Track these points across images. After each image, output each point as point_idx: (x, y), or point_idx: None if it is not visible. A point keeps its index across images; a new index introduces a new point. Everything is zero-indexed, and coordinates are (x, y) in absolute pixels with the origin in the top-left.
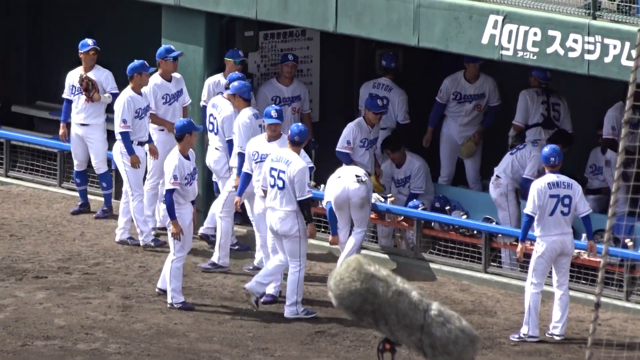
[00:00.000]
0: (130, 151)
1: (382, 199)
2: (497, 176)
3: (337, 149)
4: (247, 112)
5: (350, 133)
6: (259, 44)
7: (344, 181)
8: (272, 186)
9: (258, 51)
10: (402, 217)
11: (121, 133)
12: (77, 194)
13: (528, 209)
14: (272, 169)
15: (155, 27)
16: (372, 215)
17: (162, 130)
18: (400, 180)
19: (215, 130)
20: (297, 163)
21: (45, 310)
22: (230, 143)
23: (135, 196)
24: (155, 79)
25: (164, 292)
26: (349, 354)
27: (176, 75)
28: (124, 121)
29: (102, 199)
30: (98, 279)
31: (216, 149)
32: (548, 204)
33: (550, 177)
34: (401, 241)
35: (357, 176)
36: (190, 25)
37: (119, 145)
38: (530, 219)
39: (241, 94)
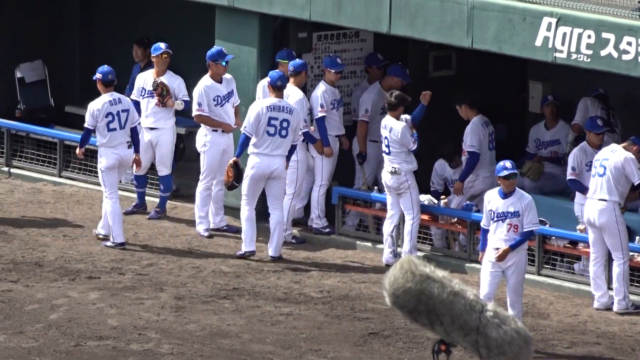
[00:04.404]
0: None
1: (435, 202)
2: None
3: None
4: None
5: (574, 159)
6: (313, 45)
7: (384, 171)
8: None
9: (311, 52)
10: (456, 219)
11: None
12: (130, 194)
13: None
14: None
15: (208, 28)
16: (426, 217)
17: (216, 131)
18: (454, 181)
19: None
20: None
21: (98, 311)
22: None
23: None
24: (205, 80)
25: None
26: (402, 355)
27: (226, 76)
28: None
29: (155, 200)
30: (151, 280)
31: None
32: None
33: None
34: (454, 243)
35: (392, 167)
36: (243, 26)
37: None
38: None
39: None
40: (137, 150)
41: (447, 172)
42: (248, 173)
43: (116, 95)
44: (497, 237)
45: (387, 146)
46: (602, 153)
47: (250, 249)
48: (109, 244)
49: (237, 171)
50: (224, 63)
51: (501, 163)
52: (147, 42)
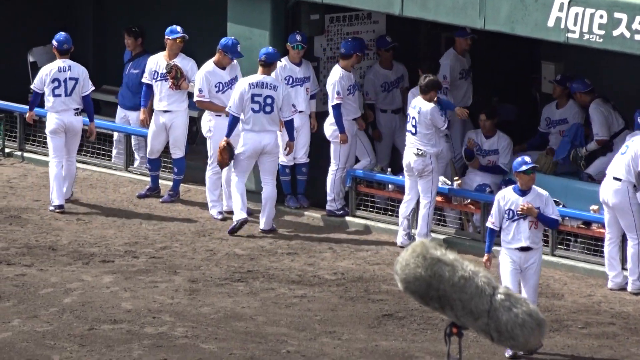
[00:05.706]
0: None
1: (449, 183)
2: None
3: None
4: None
5: None
6: (325, 27)
7: (407, 152)
8: None
9: (324, 35)
10: (469, 200)
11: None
12: (143, 177)
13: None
14: None
15: (220, 14)
16: (439, 199)
17: (220, 116)
18: (486, 152)
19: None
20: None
21: (112, 294)
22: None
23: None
24: (208, 66)
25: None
26: (416, 337)
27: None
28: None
29: (167, 183)
30: (165, 263)
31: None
32: None
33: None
34: (468, 224)
35: (418, 149)
36: (255, 10)
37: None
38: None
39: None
40: (91, 119)
41: (481, 140)
42: (240, 150)
43: (68, 62)
44: (521, 236)
45: (414, 126)
46: (635, 136)
47: (242, 217)
48: (50, 208)
49: (231, 151)
50: (231, 57)
51: (519, 159)
52: (137, 31)
